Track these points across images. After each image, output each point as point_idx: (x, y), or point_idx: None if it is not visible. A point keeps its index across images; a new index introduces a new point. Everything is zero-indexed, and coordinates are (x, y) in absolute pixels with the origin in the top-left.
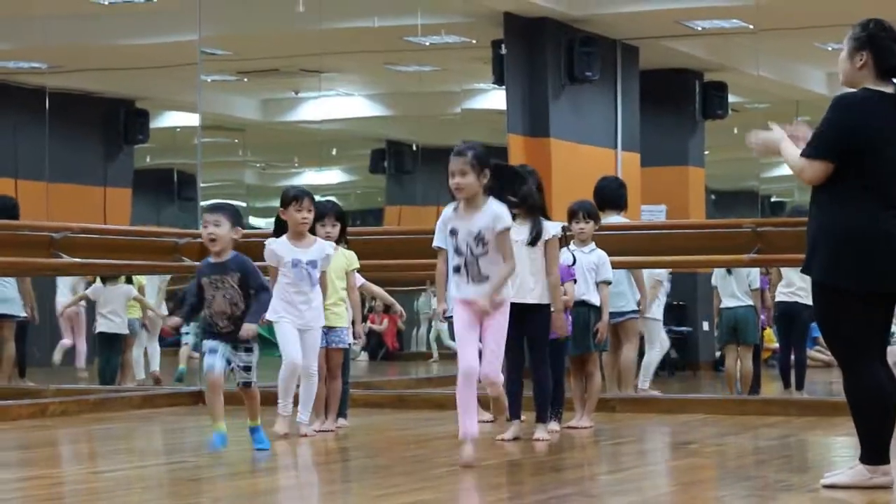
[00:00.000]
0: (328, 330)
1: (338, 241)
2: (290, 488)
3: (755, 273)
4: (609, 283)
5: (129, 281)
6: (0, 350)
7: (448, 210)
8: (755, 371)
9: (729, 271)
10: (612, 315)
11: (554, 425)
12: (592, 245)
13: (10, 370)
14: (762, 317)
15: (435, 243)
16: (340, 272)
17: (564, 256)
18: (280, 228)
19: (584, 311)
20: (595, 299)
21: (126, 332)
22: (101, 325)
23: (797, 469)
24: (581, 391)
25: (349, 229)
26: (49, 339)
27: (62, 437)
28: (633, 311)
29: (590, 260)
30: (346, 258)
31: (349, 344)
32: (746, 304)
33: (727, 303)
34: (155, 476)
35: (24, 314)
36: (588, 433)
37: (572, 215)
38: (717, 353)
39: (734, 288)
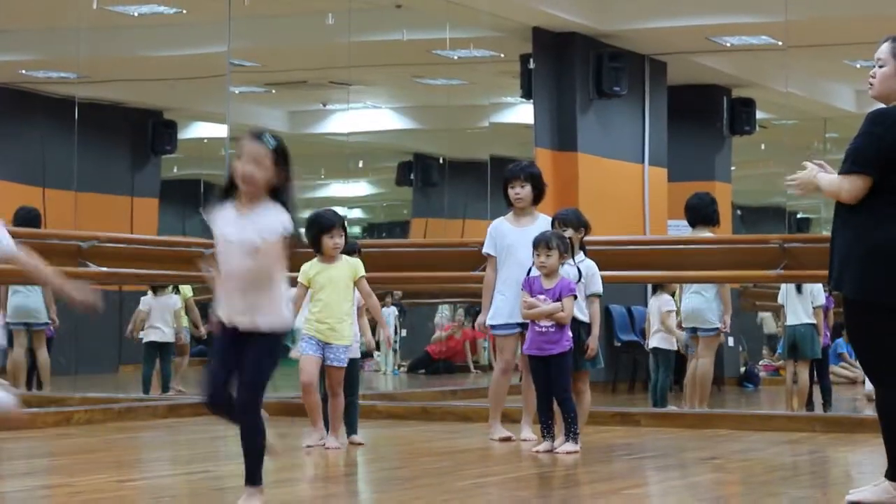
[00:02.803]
0: (325, 346)
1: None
2: (315, 499)
3: (819, 291)
4: (599, 296)
5: (175, 291)
6: (34, 359)
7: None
8: (824, 385)
9: (798, 290)
10: (703, 330)
11: (569, 445)
12: (581, 255)
13: (47, 377)
14: (826, 333)
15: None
16: (346, 282)
17: (570, 272)
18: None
19: (573, 328)
20: (583, 315)
21: (172, 340)
22: (151, 335)
23: (822, 485)
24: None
25: (376, 241)
26: (75, 349)
27: (87, 446)
28: (714, 328)
29: (576, 272)
30: (350, 267)
31: (362, 355)
32: (807, 322)
33: (790, 320)
34: (180, 485)
35: (47, 321)
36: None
37: (551, 224)
38: (742, 369)
39: (799, 306)
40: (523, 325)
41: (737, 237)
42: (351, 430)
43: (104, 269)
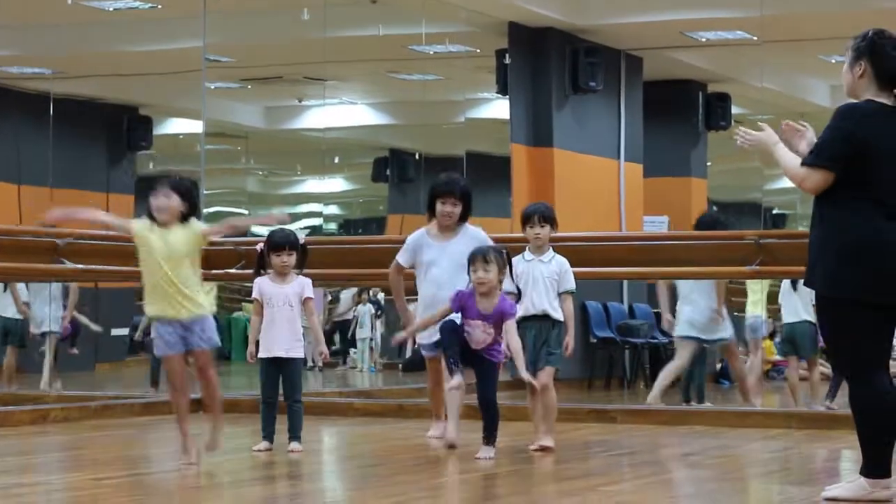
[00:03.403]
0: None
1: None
2: (293, 496)
3: None
4: (572, 292)
5: None
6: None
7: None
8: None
9: (794, 287)
10: (713, 342)
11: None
12: (551, 252)
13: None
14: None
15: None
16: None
17: (509, 287)
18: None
19: (546, 326)
20: (556, 313)
21: None
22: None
23: (798, 482)
24: (539, 409)
25: (351, 238)
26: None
27: (63, 444)
28: (727, 337)
29: (550, 269)
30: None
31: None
32: (805, 320)
33: (787, 318)
34: (156, 483)
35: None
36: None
37: (526, 220)
38: (718, 366)
39: (797, 304)
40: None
41: (712, 233)
42: (292, 435)
43: (80, 266)
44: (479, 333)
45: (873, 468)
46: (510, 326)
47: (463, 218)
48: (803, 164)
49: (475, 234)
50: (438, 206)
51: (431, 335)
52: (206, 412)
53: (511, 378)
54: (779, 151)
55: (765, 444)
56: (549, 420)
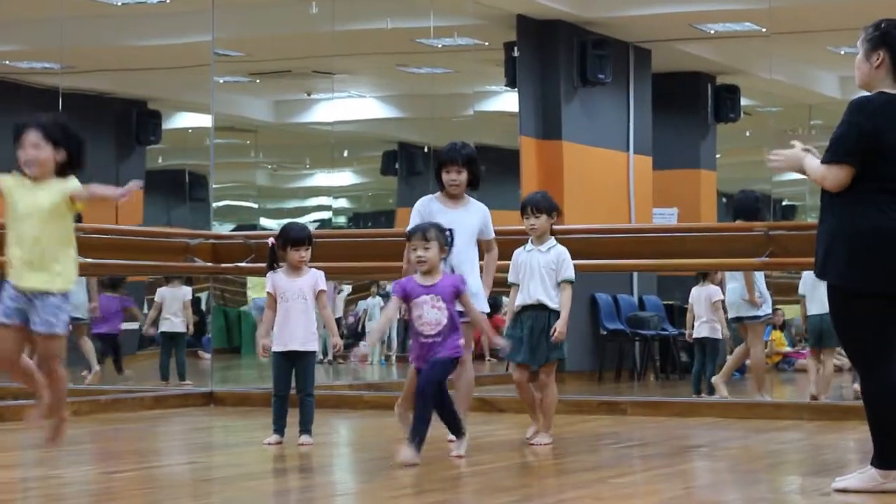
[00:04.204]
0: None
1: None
2: (304, 489)
3: None
4: (571, 282)
5: (188, 283)
6: (78, 349)
7: None
8: None
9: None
10: (749, 318)
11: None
12: (551, 242)
13: (94, 359)
14: None
15: None
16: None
17: (539, 258)
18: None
19: (542, 316)
20: (553, 303)
21: (184, 330)
22: (163, 325)
23: (808, 473)
24: (534, 403)
25: (361, 231)
26: None
27: (73, 438)
28: (755, 316)
29: (547, 259)
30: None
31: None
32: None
33: (813, 310)
34: (166, 477)
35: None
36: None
37: (522, 211)
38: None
39: (822, 296)
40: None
41: (722, 225)
42: (303, 429)
43: (89, 259)
44: (429, 311)
45: (884, 459)
46: (466, 300)
47: (472, 185)
48: (822, 162)
49: (483, 211)
50: (444, 176)
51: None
52: (46, 411)
53: (505, 371)
54: (807, 162)
55: (776, 436)
56: (548, 416)
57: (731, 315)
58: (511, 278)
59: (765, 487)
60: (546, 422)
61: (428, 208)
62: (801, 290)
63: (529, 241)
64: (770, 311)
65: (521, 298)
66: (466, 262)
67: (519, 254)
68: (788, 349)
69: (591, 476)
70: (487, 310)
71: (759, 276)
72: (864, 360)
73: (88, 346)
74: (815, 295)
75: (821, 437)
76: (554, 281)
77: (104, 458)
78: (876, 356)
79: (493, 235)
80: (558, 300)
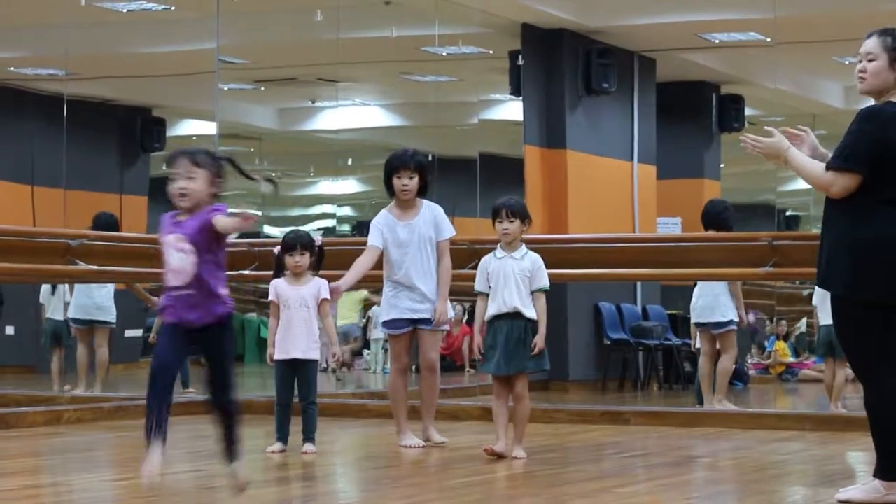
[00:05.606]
0: None
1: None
2: (307, 498)
3: None
4: (546, 290)
5: None
6: (93, 356)
7: None
8: None
9: None
10: (714, 325)
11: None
12: (523, 249)
13: (104, 375)
14: None
15: None
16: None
17: (517, 265)
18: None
19: (518, 325)
20: (529, 311)
21: None
22: None
23: (811, 484)
24: (505, 415)
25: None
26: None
27: (78, 445)
28: (732, 322)
29: (522, 266)
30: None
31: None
32: None
33: (825, 320)
34: (170, 485)
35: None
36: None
37: (494, 214)
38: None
39: None
40: (414, 322)
41: (726, 235)
42: (306, 437)
43: (94, 267)
44: (173, 256)
45: (888, 470)
46: (219, 218)
47: (421, 192)
48: (829, 168)
49: (433, 212)
50: (395, 181)
51: (388, 313)
52: None
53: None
54: (794, 156)
55: (779, 447)
56: (520, 429)
57: (693, 320)
58: (479, 287)
59: (767, 498)
60: (518, 434)
61: (386, 221)
62: (814, 301)
63: (499, 247)
64: (735, 317)
65: (494, 307)
66: (425, 272)
67: (489, 261)
68: (792, 360)
69: (595, 486)
70: (451, 314)
71: (722, 284)
72: (867, 369)
73: (104, 357)
74: (826, 306)
75: (824, 447)
76: (528, 289)
77: (107, 466)
78: (880, 366)
79: (448, 235)
80: (533, 308)
